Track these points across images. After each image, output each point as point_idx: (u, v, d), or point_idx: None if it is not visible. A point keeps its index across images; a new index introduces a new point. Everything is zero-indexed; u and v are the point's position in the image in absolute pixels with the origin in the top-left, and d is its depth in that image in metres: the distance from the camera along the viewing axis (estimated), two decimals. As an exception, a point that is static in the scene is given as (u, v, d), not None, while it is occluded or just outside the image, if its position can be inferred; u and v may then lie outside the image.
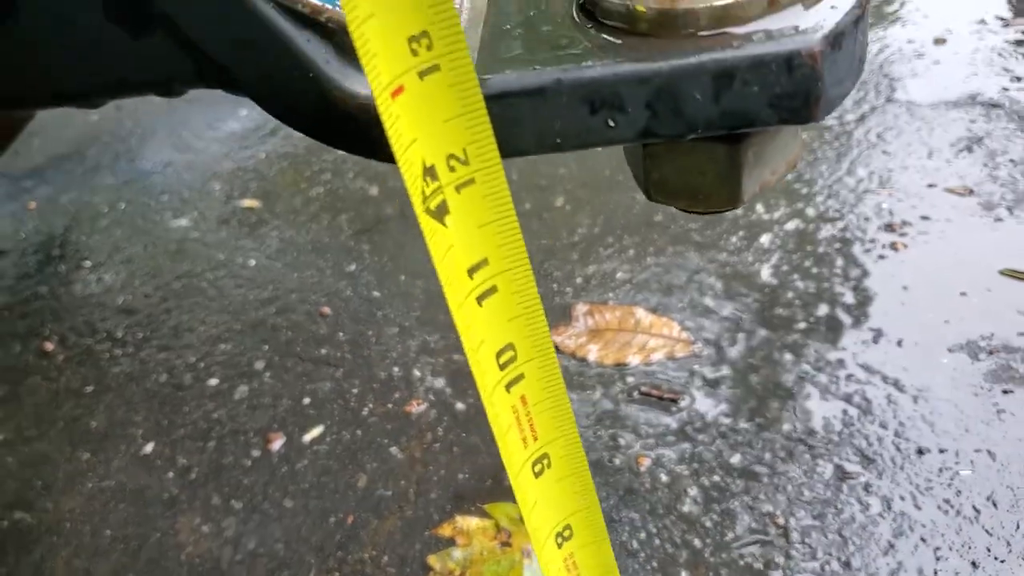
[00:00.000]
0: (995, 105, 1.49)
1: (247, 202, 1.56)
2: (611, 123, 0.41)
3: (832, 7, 0.39)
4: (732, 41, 0.38)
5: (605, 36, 0.42)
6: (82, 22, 0.39)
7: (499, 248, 0.39)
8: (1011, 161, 1.36)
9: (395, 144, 0.36)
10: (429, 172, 0.37)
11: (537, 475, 0.44)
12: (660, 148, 0.43)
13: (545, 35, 0.44)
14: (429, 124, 0.36)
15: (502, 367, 0.41)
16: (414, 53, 0.34)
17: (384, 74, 0.35)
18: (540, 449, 0.44)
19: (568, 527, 0.47)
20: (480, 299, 0.40)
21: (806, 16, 0.38)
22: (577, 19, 0.46)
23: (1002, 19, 1.74)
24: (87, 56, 0.40)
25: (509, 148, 0.41)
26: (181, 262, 1.45)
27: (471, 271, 0.39)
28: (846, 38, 0.38)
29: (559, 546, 0.47)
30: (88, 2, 0.39)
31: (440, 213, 0.38)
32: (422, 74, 0.35)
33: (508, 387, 0.42)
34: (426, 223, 0.37)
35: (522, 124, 0.40)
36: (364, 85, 0.40)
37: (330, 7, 0.39)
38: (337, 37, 0.40)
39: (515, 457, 0.43)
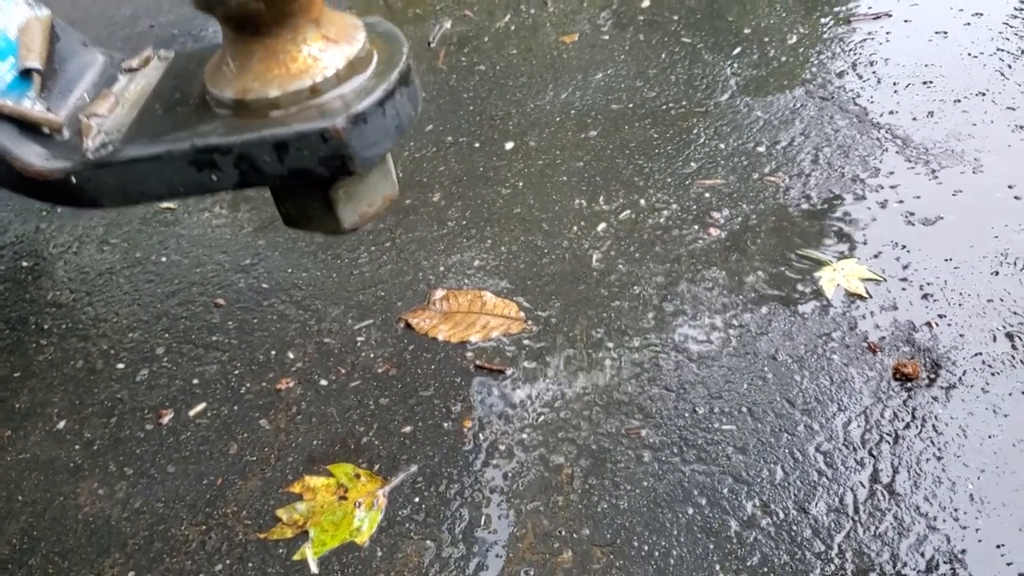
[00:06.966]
0: (825, 98, 1.66)
1: (164, 203, 1.74)
2: (214, 177, 0.58)
3: (367, 92, 0.55)
4: (289, 120, 0.55)
5: (215, 117, 0.59)
6: None
7: None
8: (816, 148, 1.53)
9: None
10: None
11: None
12: (281, 191, 0.61)
13: (177, 116, 0.61)
14: None
15: None
16: None
17: None
18: None
19: None
20: None
21: (345, 98, 0.55)
22: (204, 104, 0.62)
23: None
24: None
25: (147, 196, 0.58)
26: (104, 260, 1.64)
27: None
28: (371, 115, 0.54)
29: None
30: None
31: None
32: None
33: None
34: None
35: (153, 178, 0.57)
36: (38, 156, 0.58)
37: (2, 100, 0.57)
38: (13, 121, 0.58)
39: None
